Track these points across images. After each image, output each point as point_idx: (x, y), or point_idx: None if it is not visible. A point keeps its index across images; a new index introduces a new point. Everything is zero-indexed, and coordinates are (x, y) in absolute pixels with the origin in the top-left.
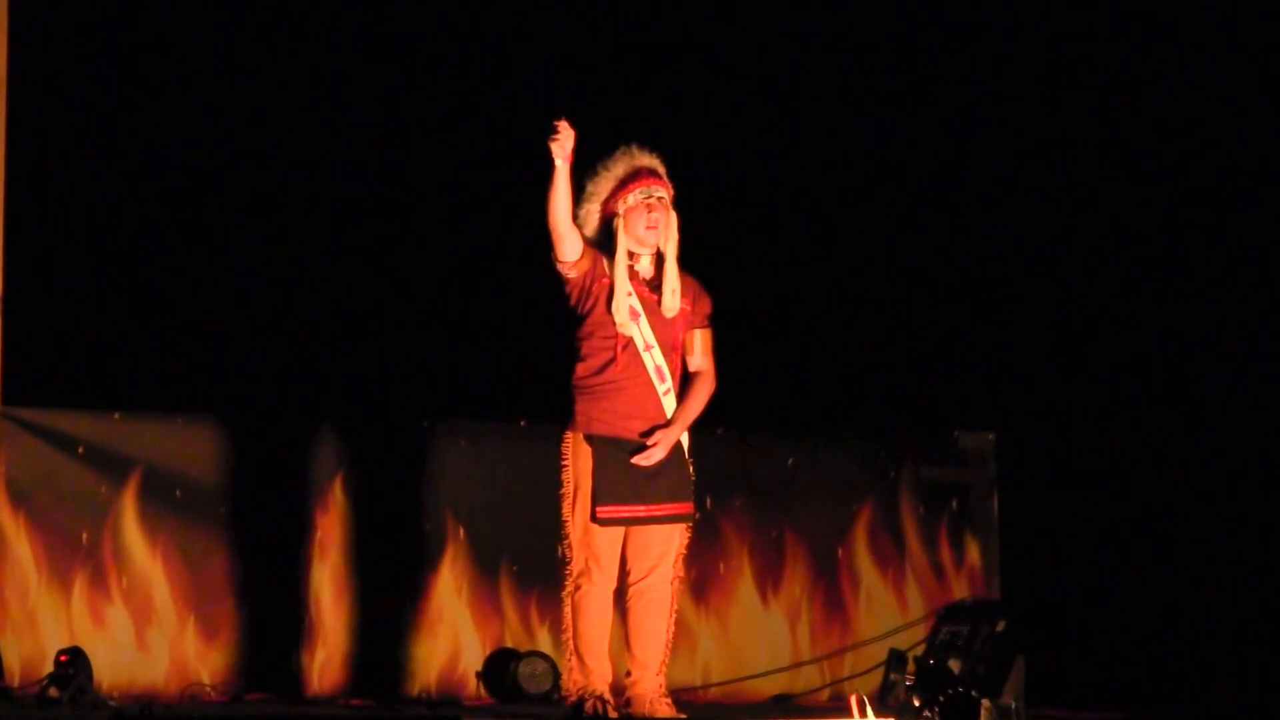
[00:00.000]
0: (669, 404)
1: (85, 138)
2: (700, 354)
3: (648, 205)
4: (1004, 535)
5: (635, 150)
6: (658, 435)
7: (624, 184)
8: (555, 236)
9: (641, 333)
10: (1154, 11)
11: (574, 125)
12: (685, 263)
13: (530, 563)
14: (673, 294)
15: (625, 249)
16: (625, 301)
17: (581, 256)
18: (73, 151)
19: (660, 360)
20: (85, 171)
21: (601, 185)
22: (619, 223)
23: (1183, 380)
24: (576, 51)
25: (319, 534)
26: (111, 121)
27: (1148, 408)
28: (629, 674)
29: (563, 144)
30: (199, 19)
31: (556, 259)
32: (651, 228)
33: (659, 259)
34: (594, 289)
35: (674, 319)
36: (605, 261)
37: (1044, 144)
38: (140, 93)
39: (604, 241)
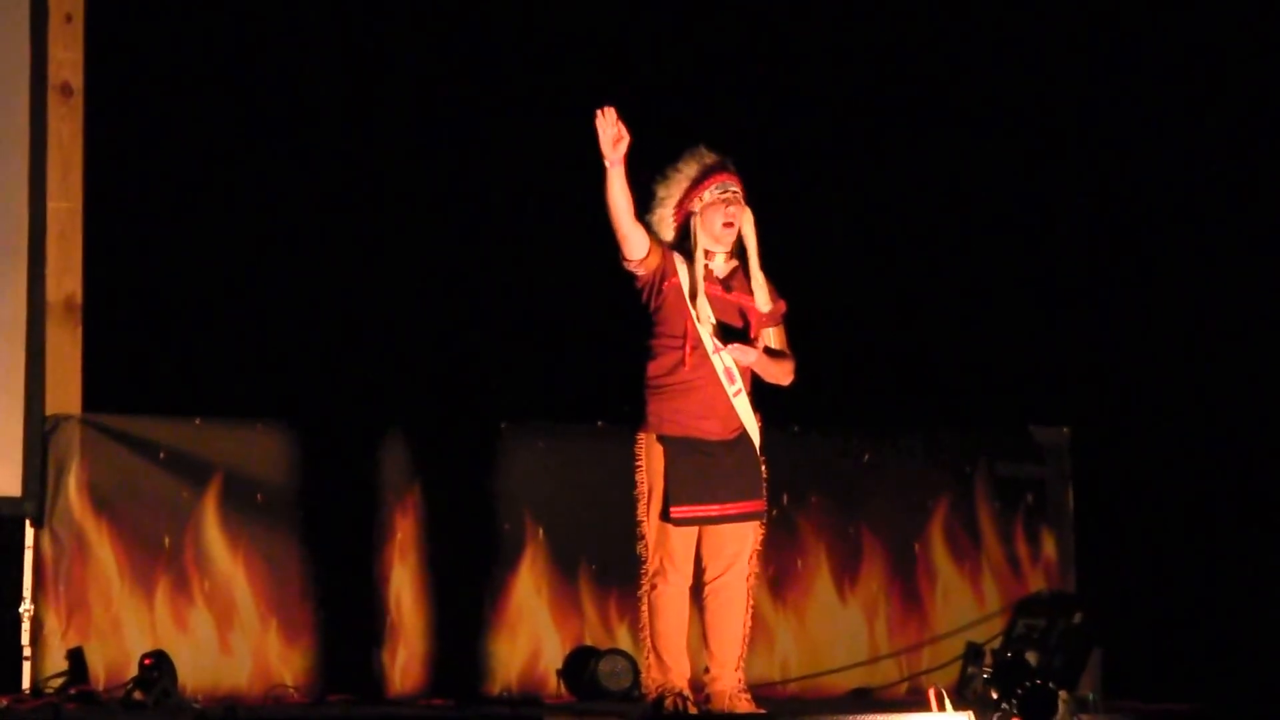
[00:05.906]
0: (740, 405)
1: (163, 145)
2: (776, 347)
3: (724, 200)
4: (1079, 529)
5: (703, 149)
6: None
7: (697, 182)
8: (619, 237)
9: (712, 337)
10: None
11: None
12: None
13: (609, 561)
14: (761, 290)
15: (702, 248)
16: (704, 303)
17: (649, 254)
18: (151, 158)
19: (729, 361)
20: (164, 179)
21: (674, 187)
22: (696, 221)
23: (1260, 372)
24: (646, 53)
25: (399, 535)
26: (188, 128)
27: (1223, 400)
28: (707, 670)
29: (611, 142)
30: (284, 25)
31: (623, 258)
32: (729, 223)
33: (732, 256)
34: (663, 287)
35: (744, 322)
36: (675, 258)
37: (1111, 141)
38: (218, 100)
39: (681, 243)
